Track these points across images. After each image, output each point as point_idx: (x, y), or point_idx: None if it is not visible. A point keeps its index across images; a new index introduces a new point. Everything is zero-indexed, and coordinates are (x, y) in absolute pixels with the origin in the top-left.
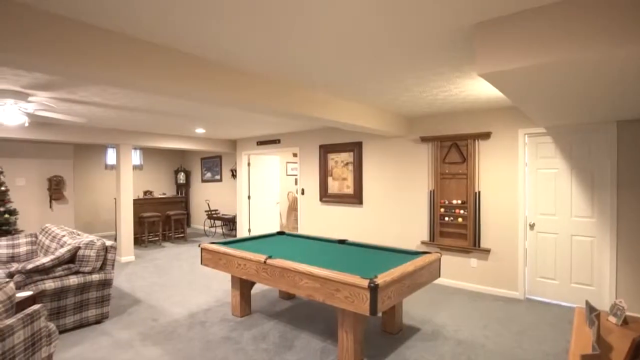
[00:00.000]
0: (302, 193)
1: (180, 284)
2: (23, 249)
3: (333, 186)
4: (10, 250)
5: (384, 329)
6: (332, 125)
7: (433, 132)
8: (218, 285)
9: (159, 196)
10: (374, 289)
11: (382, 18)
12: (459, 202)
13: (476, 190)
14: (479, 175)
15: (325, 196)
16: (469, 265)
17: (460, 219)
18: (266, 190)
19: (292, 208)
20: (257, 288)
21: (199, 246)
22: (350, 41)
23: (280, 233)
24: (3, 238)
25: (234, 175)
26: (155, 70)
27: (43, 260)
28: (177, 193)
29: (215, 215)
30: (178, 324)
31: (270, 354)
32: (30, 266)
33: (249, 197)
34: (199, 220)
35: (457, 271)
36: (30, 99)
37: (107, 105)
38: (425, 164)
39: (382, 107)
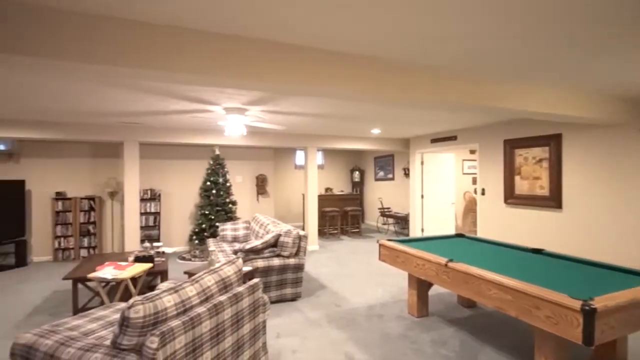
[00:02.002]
0: (482, 193)
1: (358, 276)
2: (241, 232)
3: (521, 186)
4: (233, 233)
5: None
6: (521, 117)
7: None
8: (393, 281)
9: (338, 193)
10: (589, 314)
11: None
12: None
13: None
14: None
15: (512, 197)
16: None
17: None
18: (440, 190)
19: (469, 209)
20: (434, 290)
21: (378, 242)
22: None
23: (459, 235)
24: (229, 223)
25: (406, 174)
26: (343, 77)
27: (256, 242)
28: (353, 190)
29: (387, 213)
30: (358, 313)
31: None
32: (248, 247)
33: (422, 197)
34: (372, 217)
35: None
36: (246, 113)
37: (301, 114)
38: None
39: (593, 90)
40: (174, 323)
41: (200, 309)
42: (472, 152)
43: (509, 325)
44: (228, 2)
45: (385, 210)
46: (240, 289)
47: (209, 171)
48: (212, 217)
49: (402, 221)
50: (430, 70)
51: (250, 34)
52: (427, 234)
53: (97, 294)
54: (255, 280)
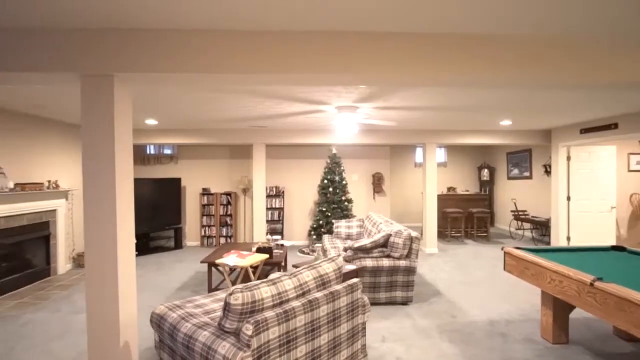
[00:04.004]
0: None
1: (480, 285)
2: (354, 230)
3: None
4: (347, 230)
5: None
6: None
7: None
8: (523, 297)
9: (462, 193)
10: None
11: None
12: None
13: None
14: None
15: None
16: None
17: None
18: (594, 191)
19: (639, 216)
20: (578, 312)
21: (502, 250)
22: None
23: (618, 248)
24: (343, 220)
25: (547, 172)
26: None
27: (365, 241)
28: (480, 190)
29: (522, 217)
30: (476, 327)
31: None
32: (356, 245)
33: (568, 199)
34: (503, 220)
35: None
36: (358, 110)
37: (413, 108)
38: None
39: None
40: (269, 314)
41: (295, 303)
42: None
43: None
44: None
45: (520, 213)
46: (338, 287)
47: (326, 170)
48: (329, 214)
49: (542, 227)
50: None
51: (361, 28)
52: (574, 243)
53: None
54: (354, 280)
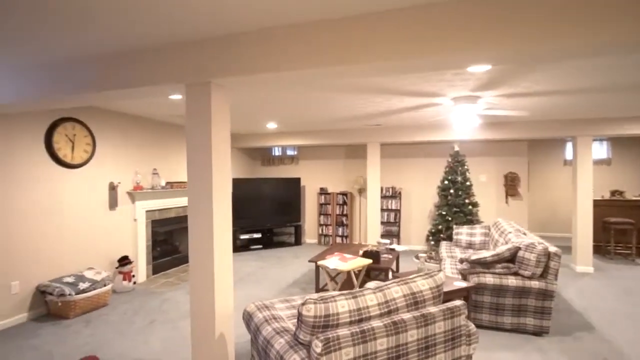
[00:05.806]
0: None
1: None
2: (477, 239)
3: None
4: (469, 238)
5: None
6: None
7: None
8: None
9: (633, 198)
10: None
11: None
12: None
13: None
14: None
15: None
16: None
17: None
18: None
19: None
20: None
21: None
22: None
23: None
24: (465, 226)
25: None
26: None
27: (485, 254)
28: None
29: None
30: None
31: None
32: (474, 257)
33: None
34: None
35: None
36: (479, 100)
37: (554, 92)
38: None
39: None
40: (342, 332)
41: (376, 323)
42: None
43: None
44: None
45: None
46: (433, 309)
47: (447, 169)
48: (449, 219)
49: None
50: None
51: None
52: None
53: (333, 278)
54: (457, 302)
